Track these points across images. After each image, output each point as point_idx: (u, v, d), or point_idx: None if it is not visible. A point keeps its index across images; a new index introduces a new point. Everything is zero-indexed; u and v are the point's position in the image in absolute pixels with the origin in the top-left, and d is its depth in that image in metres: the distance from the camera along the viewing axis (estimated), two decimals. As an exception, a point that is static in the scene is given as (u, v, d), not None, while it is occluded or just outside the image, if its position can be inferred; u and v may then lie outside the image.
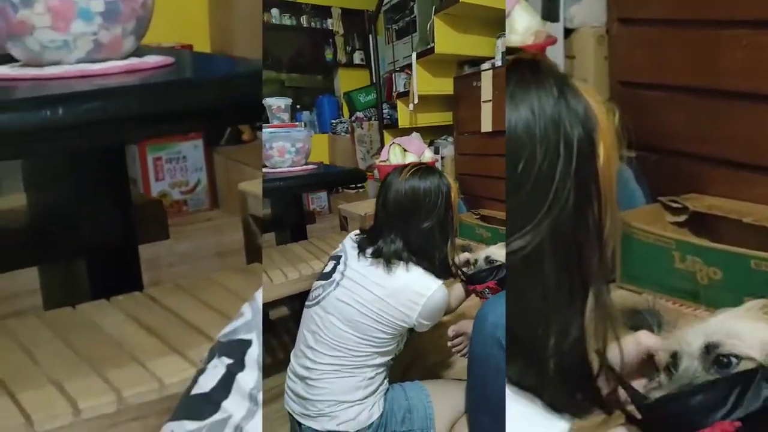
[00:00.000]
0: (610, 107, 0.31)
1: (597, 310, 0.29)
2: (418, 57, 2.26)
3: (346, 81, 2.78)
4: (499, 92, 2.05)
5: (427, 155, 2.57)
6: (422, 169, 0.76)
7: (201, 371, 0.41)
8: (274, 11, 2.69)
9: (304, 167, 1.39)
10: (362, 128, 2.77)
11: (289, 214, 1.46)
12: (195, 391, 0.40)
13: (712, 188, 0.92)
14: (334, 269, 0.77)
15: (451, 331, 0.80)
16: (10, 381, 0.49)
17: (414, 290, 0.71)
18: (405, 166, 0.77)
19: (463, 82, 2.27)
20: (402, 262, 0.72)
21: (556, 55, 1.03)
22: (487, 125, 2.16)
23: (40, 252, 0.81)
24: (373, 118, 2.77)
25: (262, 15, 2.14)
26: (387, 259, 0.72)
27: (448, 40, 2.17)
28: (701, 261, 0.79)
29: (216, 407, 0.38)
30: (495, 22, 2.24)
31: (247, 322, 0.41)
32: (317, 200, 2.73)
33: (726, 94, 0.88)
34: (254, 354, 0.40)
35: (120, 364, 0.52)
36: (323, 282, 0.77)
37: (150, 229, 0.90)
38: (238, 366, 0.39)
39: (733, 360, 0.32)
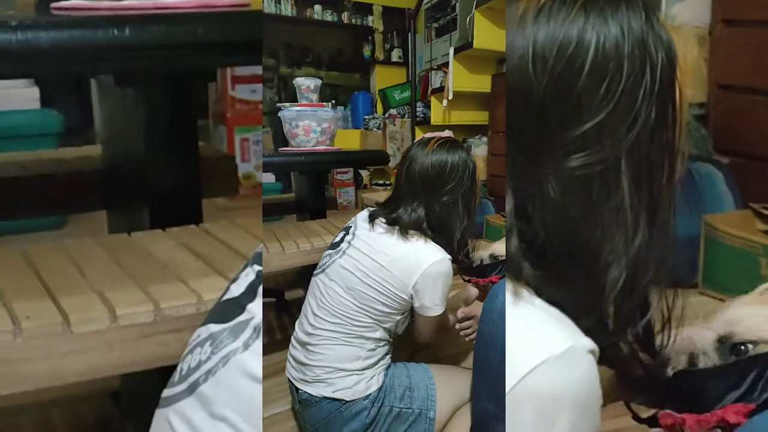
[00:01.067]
0: (689, 42, 0.31)
1: (660, 239, 0.29)
2: (455, 52, 2.25)
3: (382, 78, 2.81)
4: None
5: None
6: (450, 143, 0.75)
7: (234, 280, 0.42)
8: (317, 7, 2.76)
9: (329, 147, 1.40)
10: (394, 125, 2.78)
11: (311, 197, 1.47)
12: (225, 297, 0.41)
13: None
14: (342, 239, 0.77)
15: (460, 312, 0.78)
16: (55, 288, 0.50)
17: (416, 258, 0.69)
18: (430, 139, 0.75)
19: (502, 79, 2.25)
20: (417, 232, 0.71)
21: None
22: None
23: (109, 197, 0.85)
24: (406, 116, 2.77)
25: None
26: (404, 226, 0.71)
27: (487, 35, 2.15)
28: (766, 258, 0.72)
29: (242, 310, 0.39)
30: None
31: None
32: (345, 194, 2.74)
33: None
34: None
35: (163, 281, 0.52)
36: (331, 251, 0.77)
37: (219, 183, 0.92)
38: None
39: (750, 346, 0.31)
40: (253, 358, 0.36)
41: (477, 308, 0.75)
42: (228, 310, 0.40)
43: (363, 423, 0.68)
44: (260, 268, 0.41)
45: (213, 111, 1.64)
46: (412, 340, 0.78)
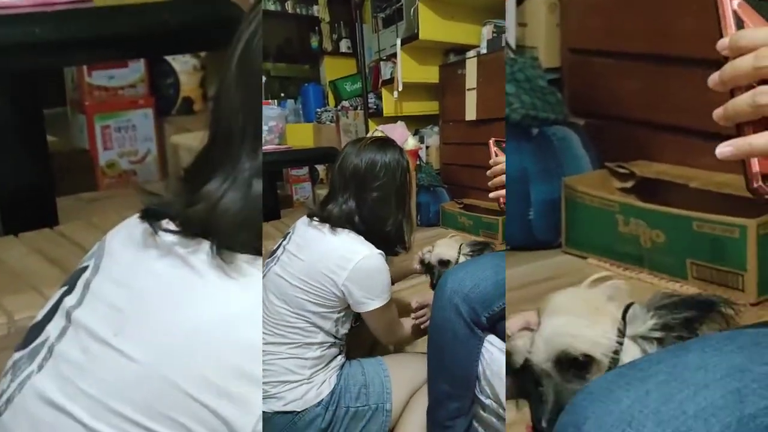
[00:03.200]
0: None
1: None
2: (402, 44, 2.29)
3: (332, 69, 2.79)
4: (483, 80, 2.05)
5: (411, 142, 2.57)
6: (383, 141, 0.77)
7: (66, 290, 0.41)
8: (261, -4, 2.68)
9: (278, 147, 1.38)
10: (347, 117, 2.76)
11: (263, 197, 1.46)
12: (32, 321, 0.41)
13: (660, 156, 0.92)
14: (279, 246, 0.78)
15: (414, 302, 0.81)
16: None
17: (343, 254, 0.70)
18: (363, 137, 0.80)
19: (448, 70, 2.31)
20: (347, 228, 0.71)
21: (508, 22, 1.03)
22: (471, 113, 2.20)
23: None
24: (359, 107, 2.75)
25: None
26: (334, 221, 0.71)
27: (432, 26, 2.19)
28: (645, 224, 0.79)
29: (40, 332, 0.39)
30: (480, 10, 2.26)
31: (93, 252, 0.41)
32: (301, 190, 2.73)
33: (677, 61, 0.89)
34: (85, 277, 0.40)
35: (16, 291, 0.50)
36: (269, 259, 0.77)
37: (77, 178, 0.89)
38: (69, 290, 0.40)
39: (587, 360, 0.34)
40: (47, 380, 0.36)
41: (431, 297, 0.73)
42: (30, 334, 0.40)
43: (318, 429, 0.69)
44: (65, 287, 0.40)
45: (71, 99, 1.60)
46: (370, 336, 0.80)
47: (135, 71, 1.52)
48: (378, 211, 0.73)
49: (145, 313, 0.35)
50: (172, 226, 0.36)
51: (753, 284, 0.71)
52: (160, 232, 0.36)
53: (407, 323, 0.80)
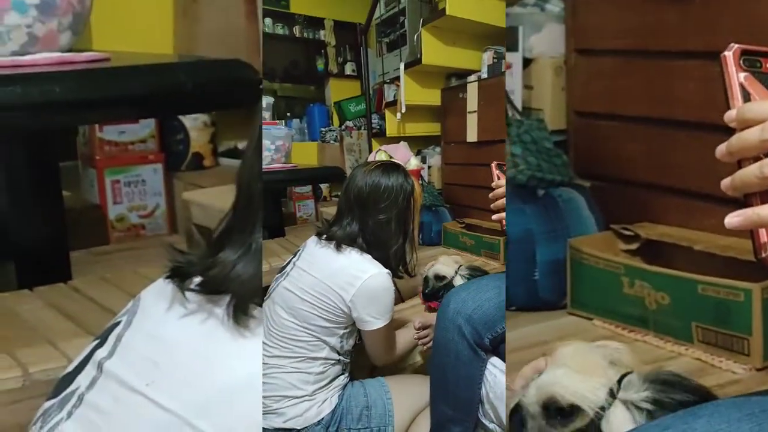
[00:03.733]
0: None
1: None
2: (405, 68, 2.33)
3: (337, 91, 2.83)
4: (484, 103, 2.08)
5: (413, 162, 2.59)
6: (387, 165, 0.78)
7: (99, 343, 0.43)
8: (267, 20, 2.74)
9: (284, 165, 1.39)
10: (351, 137, 2.79)
11: (268, 215, 1.47)
12: (63, 372, 0.41)
13: (665, 217, 0.93)
14: (289, 262, 0.78)
15: (417, 323, 0.80)
16: None
17: (352, 272, 0.71)
18: (371, 161, 0.81)
19: (450, 93, 2.33)
20: (353, 247, 0.72)
21: (514, 85, 1.05)
22: (472, 135, 2.22)
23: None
24: (362, 128, 2.78)
25: (262, 23, 2.17)
26: (339, 241, 0.72)
27: (435, 52, 2.23)
28: (650, 286, 0.80)
29: (70, 382, 0.41)
30: (481, 37, 2.29)
31: (127, 309, 0.44)
32: (304, 207, 2.73)
33: (679, 124, 0.90)
34: (117, 331, 0.42)
35: (31, 344, 0.51)
36: (278, 275, 0.78)
37: (88, 233, 0.89)
38: (100, 344, 0.42)
39: (573, 411, 0.35)
40: (75, 427, 0.37)
41: (433, 317, 0.74)
42: (61, 384, 0.41)
43: None
44: (97, 341, 0.41)
45: (81, 153, 1.62)
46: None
47: (145, 127, 1.53)
48: (380, 234, 0.73)
49: (176, 365, 0.37)
50: (196, 285, 0.39)
51: (758, 348, 0.70)
52: (187, 291, 0.39)
53: (401, 337, 0.79)
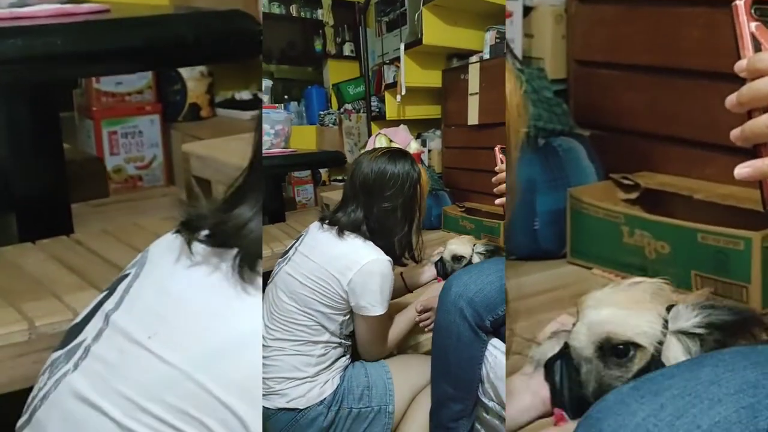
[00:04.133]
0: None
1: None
2: (406, 48, 2.31)
3: (335, 73, 2.81)
4: (486, 85, 2.07)
5: (413, 146, 2.59)
6: (394, 152, 0.78)
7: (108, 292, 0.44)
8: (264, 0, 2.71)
9: (284, 150, 1.39)
10: (350, 120, 2.78)
11: (268, 200, 1.48)
12: (71, 323, 0.42)
13: (665, 167, 0.94)
14: (291, 247, 0.80)
15: (418, 305, 0.81)
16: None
17: (352, 256, 0.72)
18: (377, 148, 0.82)
19: (451, 75, 2.33)
20: (354, 233, 0.73)
21: (515, 34, 1.05)
22: (473, 118, 2.22)
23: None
24: (361, 111, 2.77)
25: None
26: (342, 227, 0.73)
27: (436, 31, 2.21)
28: (649, 235, 0.81)
29: (78, 333, 0.42)
30: (484, 16, 2.28)
31: (135, 261, 0.44)
32: (303, 192, 2.74)
33: (683, 73, 0.90)
34: (125, 282, 0.42)
35: (37, 298, 0.52)
36: (280, 260, 0.79)
37: (88, 186, 0.90)
38: (108, 295, 0.43)
39: (631, 348, 0.35)
40: (82, 378, 0.38)
41: (434, 300, 0.75)
42: (69, 335, 0.42)
43: (320, 428, 0.70)
44: (105, 292, 0.42)
45: (78, 104, 1.62)
46: None
47: (142, 78, 1.53)
48: (385, 222, 0.73)
49: (180, 318, 0.38)
50: (204, 237, 0.40)
51: (757, 296, 0.71)
52: (194, 243, 0.40)
53: (397, 323, 0.79)
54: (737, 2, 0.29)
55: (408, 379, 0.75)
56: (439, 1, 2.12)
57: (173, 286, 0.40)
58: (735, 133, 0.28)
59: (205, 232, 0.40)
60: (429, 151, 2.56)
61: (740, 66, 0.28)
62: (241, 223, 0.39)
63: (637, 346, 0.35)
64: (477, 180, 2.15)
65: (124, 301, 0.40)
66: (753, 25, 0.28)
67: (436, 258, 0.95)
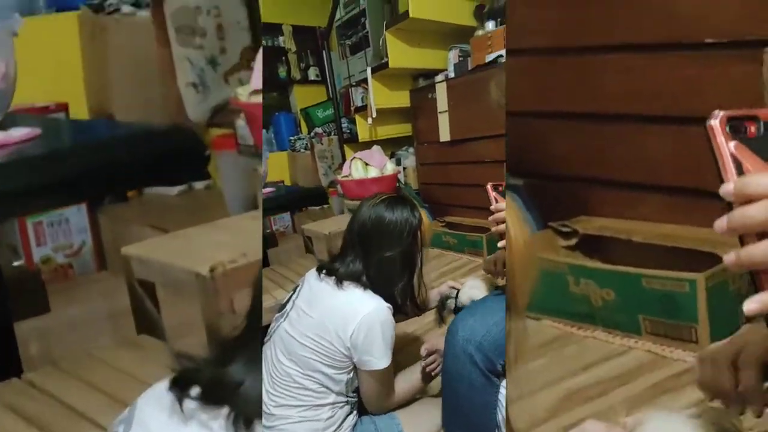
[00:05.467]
0: None
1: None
2: (372, 72, 2.36)
3: (302, 97, 2.86)
4: (454, 103, 2.13)
5: (389, 167, 2.62)
6: (393, 199, 0.75)
7: None
8: (224, 29, 2.74)
9: (262, 191, 1.38)
10: (322, 144, 2.82)
11: None
12: None
13: (600, 210, 0.97)
14: (289, 299, 0.77)
15: (423, 350, 0.79)
16: None
17: (351, 307, 0.69)
18: (378, 194, 0.78)
19: (419, 94, 2.39)
20: (354, 283, 0.71)
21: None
22: (445, 135, 2.28)
23: None
24: (332, 133, 2.81)
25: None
26: (340, 277, 0.71)
27: (400, 54, 2.28)
28: (594, 283, 0.84)
29: None
30: (446, 35, 2.34)
31: (123, 417, 0.42)
32: (280, 220, 2.77)
33: (607, 118, 0.94)
34: None
35: None
36: (278, 314, 0.77)
37: (28, 302, 0.85)
38: None
39: None
40: None
41: (440, 342, 0.72)
42: None
43: None
44: (116, 431, 0.41)
45: None
46: None
47: None
48: (384, 272, 0.70)
49: None
50: (195, 394, 0.38)
51: (706, 335, 0.75)
52: (186, 400, 0.38)
53: (402, 382, 0.76)
54: (712, 122, 0.27)
55: (419, 426, 0.72)
56: (401, 25, 2.19)
57: None
58: (729, 259, 0.27)
59: (197, 390, 0.38)
60: (404, 168, 2.61)
61: (727, 191, 0.27)
62: (235, 382, 0.37)
63: None
64: (453, 194, 2.21)
65: None
66: (732, 144, 0.27)
67: (447, 288, 0.86)
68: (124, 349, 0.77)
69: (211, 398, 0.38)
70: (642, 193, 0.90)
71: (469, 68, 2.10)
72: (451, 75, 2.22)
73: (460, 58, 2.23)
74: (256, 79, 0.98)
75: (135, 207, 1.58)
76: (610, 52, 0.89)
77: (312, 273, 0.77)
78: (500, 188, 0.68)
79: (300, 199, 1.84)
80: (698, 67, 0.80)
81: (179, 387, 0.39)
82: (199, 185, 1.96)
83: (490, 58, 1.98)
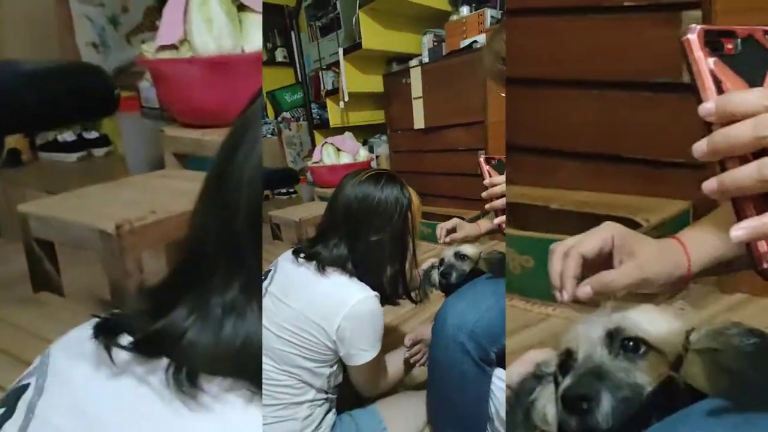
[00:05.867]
0: None
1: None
2: (345, 53, 2.31)
3: (269, 80, 2.82)
4: (429, 88, 2.09)
5: (362, 154, 2.57)
6: (380, 175, 0.68)
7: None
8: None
9: None
10: (290, 129, 2.77)
11: None
12: None
13: (518, 177, 0.93)
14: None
15: (407, 339, 0.74)
16: None
17: (337, 298, 0.62)
18: (362, 170, 0.71)
19: (393, 79, 2.38)
20: (338, 269, 0.64)
21: None
22: (419, 122, 2.26)
23: None
24: (301, 119, 2.77)
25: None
26: (322, 263, 0.64)
27: (375, 35, 2.26)
28: (513, 250, 0.79)
29: None
30: (420, 19, 2.31)
31: (34, 367, 0.37)
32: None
33: (526, 82, 0.90)
34: (26, 399, 0.35)
35: None
36: None
37: None
38: (7, 414, 0.35)
39: (641, 346, 0.33)
40: None
41: (425, 331, 0.69)
42: None
43: None
44: (3, 410, 0.35)
45: None
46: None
47: None
48: (372, 258, 0.64)
49: None
50: (127, 343, 0.33)
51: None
52: (115, 349, 0.33)
53: (391, 364, 0.72)
54: (690, 36, 0.25)
55: (404, 424, 0.67)
56: (375, 5, 2.17)
57: (89, 404, 0.32)
58: (710, 186, 0.24)
59: (128, 339, 0.33)
60: (377, 156, 2.57)
61: (707, 110, 0.25)
62: (175, 333, 0.32)
63: (651, 347, 0.32)
64: (427, 183, 2.18)
65: (30, 423, 0.33)
66: (711, 61, 0.25)
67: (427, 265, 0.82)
68: (23, 307, 0.72)
69: (145, 349, 0.33)
70: (558, 159, 0.86)
71: (444, 53, 2.06)
72: (426, 60, 2.18)
73: (435, 43, 2.20)
74: (165, 34, 0.91)
75: (31, 172, 1.50)
76: (531, 15, 0.85)
77: (286, 257, 0.69)
78: (493, 161, 0.63)
79: (269, 179, 1.71)
80: (618, 30, 0.77)
81: (104, 334, 0.33)
82: (98, 152, 1.87)
83: (464, 43, 1.95)
